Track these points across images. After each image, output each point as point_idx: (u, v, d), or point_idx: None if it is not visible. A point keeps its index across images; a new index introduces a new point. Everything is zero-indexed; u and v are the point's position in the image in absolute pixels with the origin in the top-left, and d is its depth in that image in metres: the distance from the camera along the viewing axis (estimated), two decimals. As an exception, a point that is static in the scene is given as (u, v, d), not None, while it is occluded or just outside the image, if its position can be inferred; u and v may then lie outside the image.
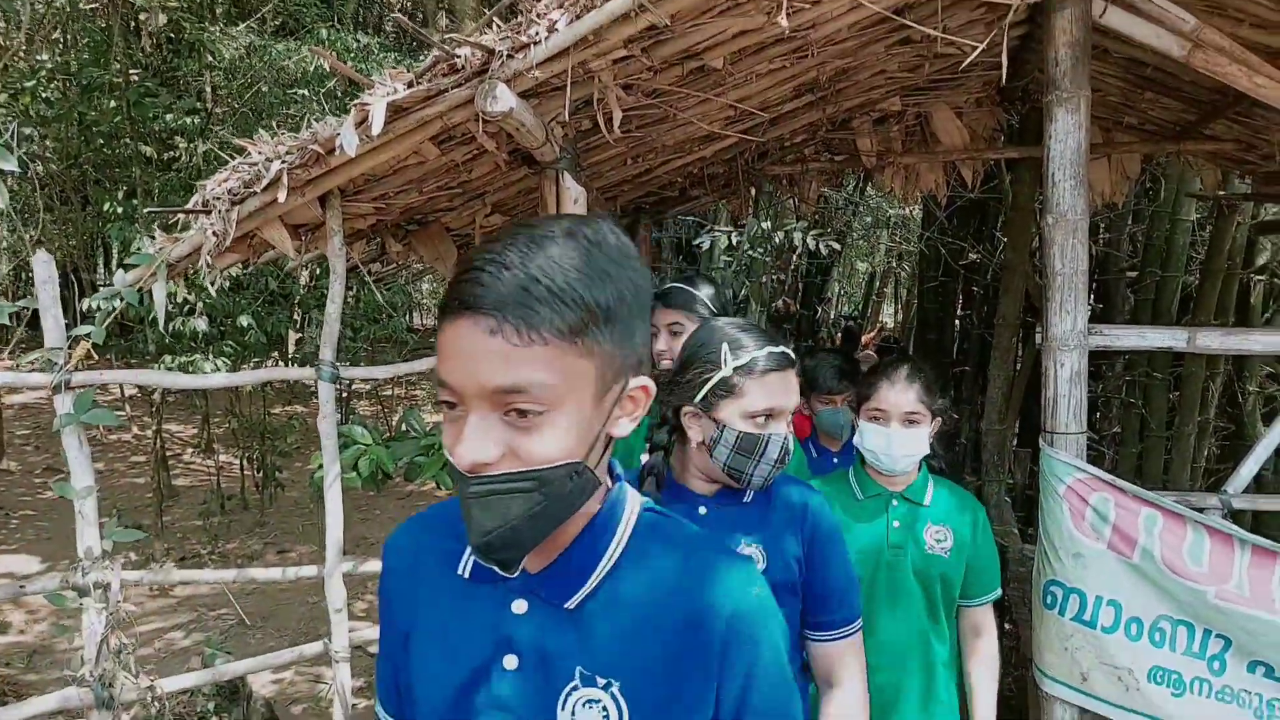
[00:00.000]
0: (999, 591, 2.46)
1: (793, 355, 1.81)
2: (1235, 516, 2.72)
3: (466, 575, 0.98)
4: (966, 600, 2.48)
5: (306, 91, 6.13)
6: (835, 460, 3.51)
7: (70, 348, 2.20)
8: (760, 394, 1.72)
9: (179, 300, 6.46)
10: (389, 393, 13.03)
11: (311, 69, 6.19)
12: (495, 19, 2.20)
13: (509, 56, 2.15)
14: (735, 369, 1.72)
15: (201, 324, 6.64)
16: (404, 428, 3.97)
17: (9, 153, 1.85)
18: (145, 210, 6.49)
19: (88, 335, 2.20)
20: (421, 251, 3.26)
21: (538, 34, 2.14)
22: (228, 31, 6.44)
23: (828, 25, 2.67)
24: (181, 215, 2.39)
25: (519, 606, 0.93)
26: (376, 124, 2.06)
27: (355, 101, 2.13)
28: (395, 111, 2.15)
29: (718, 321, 1.89)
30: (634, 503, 1.00)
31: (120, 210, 6.97)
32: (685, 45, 2.47)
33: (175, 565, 7.04)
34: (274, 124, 7.05)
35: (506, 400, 0.81)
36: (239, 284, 7.50)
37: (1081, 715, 2.71)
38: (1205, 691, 2.58)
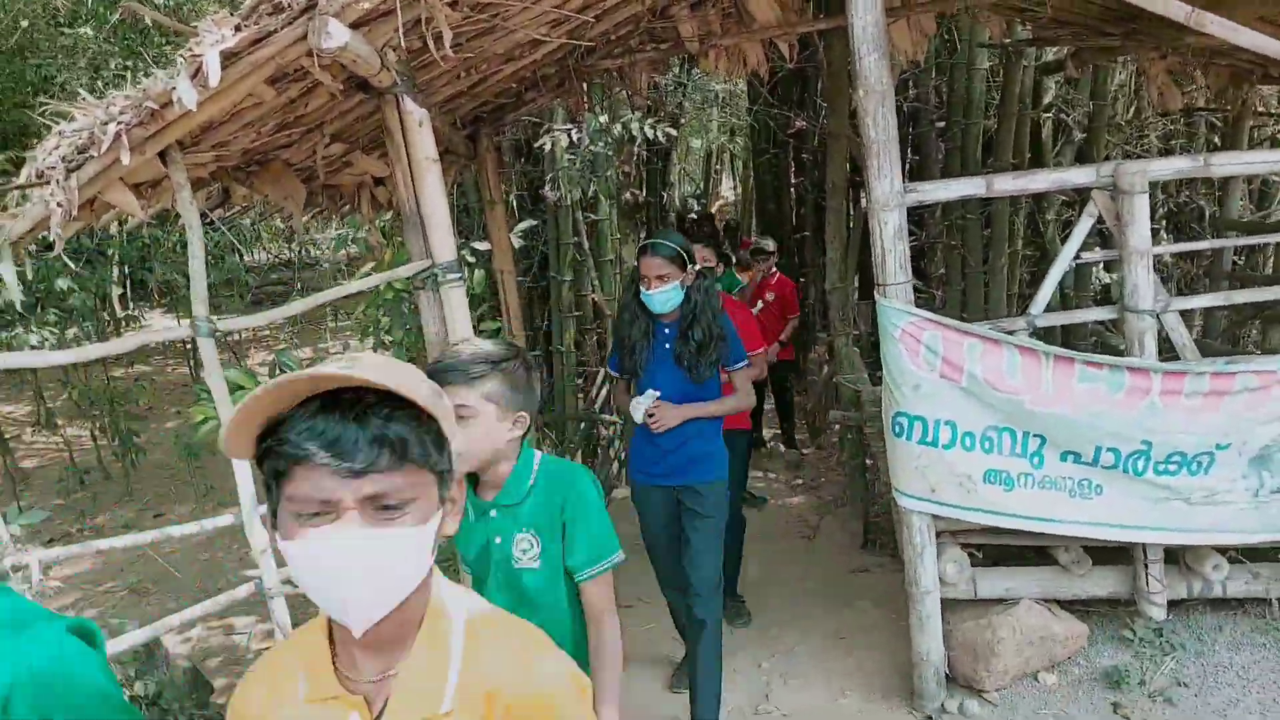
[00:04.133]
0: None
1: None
2: (1047, 334, 3.17)
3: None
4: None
5: (89, 29, 5.61)
6: None
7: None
8: None
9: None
10: (236, 338, 12.47)
11: (89, 1, 5.65)
12: (313, -49, 2.17)
13: (335, -11, 2.15)
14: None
15: (16, 295, 6.16)
16: (276, 370, 3.96)
17: None
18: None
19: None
20: (267, 191, 3.20)
21: (361, -37, 2.14)
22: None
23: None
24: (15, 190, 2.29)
25: None
26: (213, 74, 2.03)
27: (184, 52, 2.09)
28: (228, 58, 2.12)
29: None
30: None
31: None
32: (506, -44, 2.51)
33: (44, 548, 6.73)
34: (53, 66, 6.43)
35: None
36: (48, 245, 6.95)
37: (934, 521, 3.17)
38: (1029, 484, 3.07)
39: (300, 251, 14.15)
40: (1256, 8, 3.05)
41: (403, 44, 2.56)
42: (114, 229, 7.46)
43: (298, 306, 2.69)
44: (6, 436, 8.83)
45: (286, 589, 2.59)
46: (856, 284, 6.39)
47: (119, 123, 2.12)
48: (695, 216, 11.61)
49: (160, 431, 9.21)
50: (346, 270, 11.10)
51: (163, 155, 2.45)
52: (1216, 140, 6.39)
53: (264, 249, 14.60)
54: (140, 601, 5.79)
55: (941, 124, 6.72)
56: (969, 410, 3.01)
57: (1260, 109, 5.84)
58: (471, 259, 4.84)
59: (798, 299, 6.94)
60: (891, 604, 4.05)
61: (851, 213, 6.51)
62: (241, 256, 12.49)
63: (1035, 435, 3.02)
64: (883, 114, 2.87)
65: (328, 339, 11.90)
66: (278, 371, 3.81)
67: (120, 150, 2.16)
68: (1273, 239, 4.30)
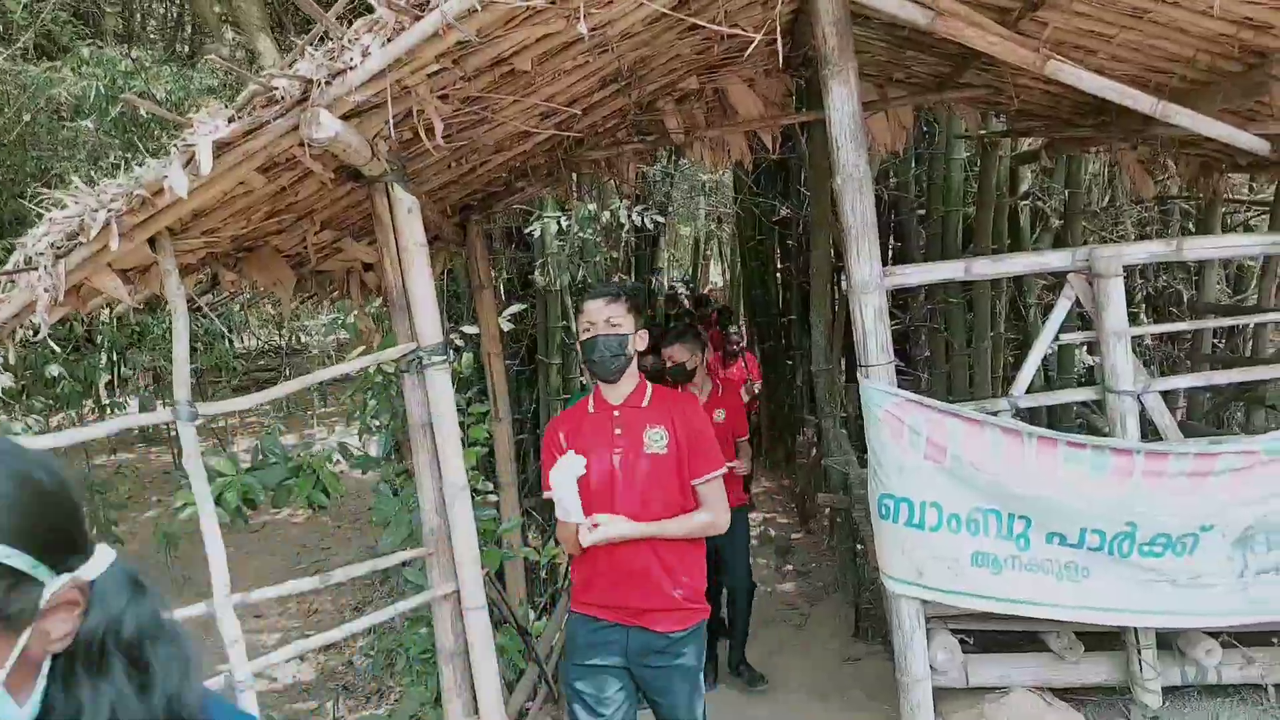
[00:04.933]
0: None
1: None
2: (1032, 416, 3.19)
3: None
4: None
5: (89, 123, 5.74)
6: None
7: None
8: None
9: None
10: (221, 424, 12.39)
11: (91, 96, 5.80)
12: (308, 47, 2.25)
13: (327, 83, 2.22)
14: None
15: (5, 380, 6.15)
16: (260, 455, 3.92)
17: None
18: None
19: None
20: (256, 277, 3.24)
21: (353, 59, 2.22)
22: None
23: (621, 22, 2.88)
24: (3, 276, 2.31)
25: None
26: (205, 164, 2.08)
27: (178, 142, 2.15)
28: (220, 147, 2.18)
29: None
30: None
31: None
32: (494, 54, 2.61)
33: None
34: (53, 157, 6.56)
35: None
36: (35, 330, 6.96)
37: (923, 606, 3.12)
38: (1017, 566, 3.04)
39: (290, 337, 14.20)
40: (1221, 100, 3.18)
41: (393, 135, 2.64)
42: (104, 315, 7.50)
43: (280, 390, 2.69)
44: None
45: (258, 683, 2.52)
46: (843, 366, 6.43)
47: (110, 210, 2.16)
48: (690, 296, 11.73)
49: (137, 521, 9.06)
50: (336, 355, 11.12)
51: (152, 242, 2.49)
52: (1191, 226, 6.55)
53: (253, 335, 14.64)
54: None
55: (922, 211, 6.90)
56: (954, 492, 3.00)
57: (1230, 196, 6.02)
58: (460, 342, 4.87)
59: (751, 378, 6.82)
60: (885, 695, 3.95)
61: (836, 296, 6.61)
62: (231, 343, 12.53)
63: (1021, 517, 3.01)
64: (860, 201, 2.95)
65: (314, 424, 11.84)
66: (260, 457, 3.78)
67: (110, 236, 2.19)
68: (1250, 320, 4.37)
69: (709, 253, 19.90)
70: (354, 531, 8.55)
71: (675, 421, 2.63)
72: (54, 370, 6.72)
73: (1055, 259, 3.08)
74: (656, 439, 2.62)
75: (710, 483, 2.64)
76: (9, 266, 2.26)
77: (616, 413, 2.67)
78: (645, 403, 2.68)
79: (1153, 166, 4.93)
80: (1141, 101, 2.99)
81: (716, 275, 19.98)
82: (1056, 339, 3.08)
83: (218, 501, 3.04)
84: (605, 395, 2.71)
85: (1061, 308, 3.07)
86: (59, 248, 2.27)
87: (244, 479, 2.85)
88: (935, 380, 6.53)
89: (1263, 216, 6.23)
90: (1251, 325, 4.76)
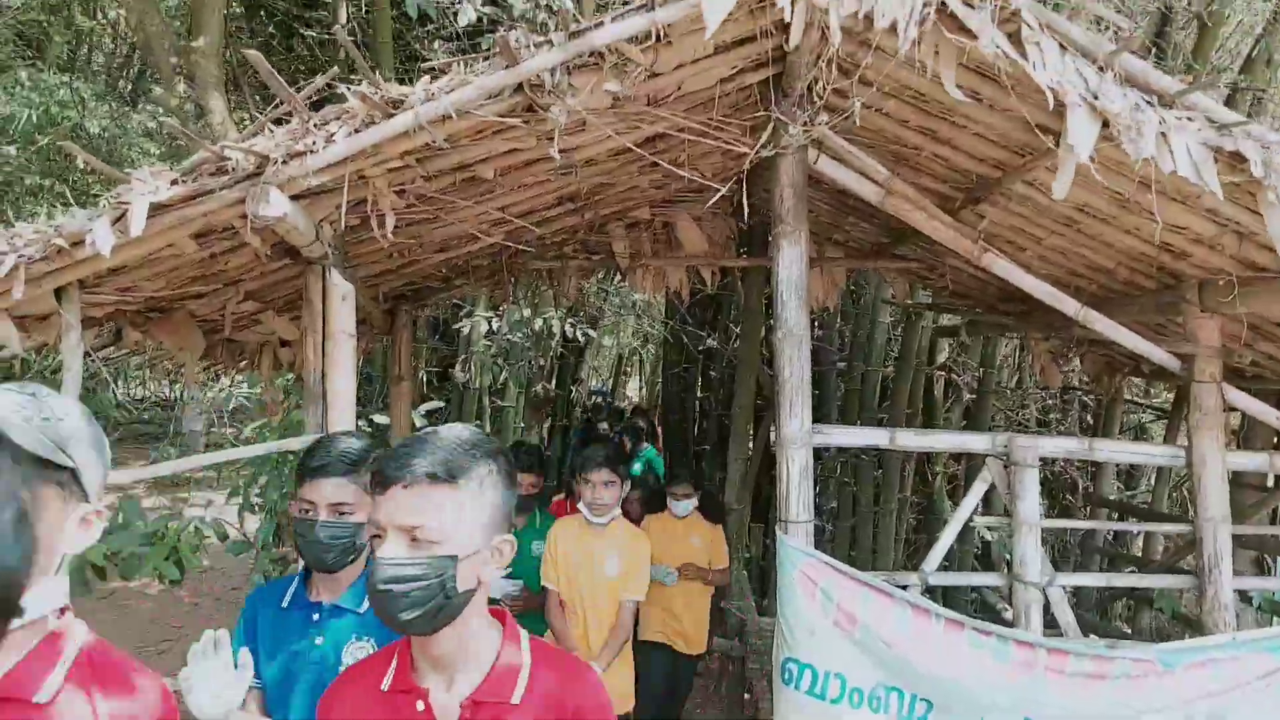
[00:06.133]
0: None
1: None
2: (935, 591, 3.18)
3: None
4: None
5: (13, 149, 5.49)
6: None
7: None
8: None
9: None
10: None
11: (20, 121, 5.57)
12: (268, 124, 2.18)
13: (284, 162, 2.15)
14: None
15: None
16: (118, 517, 3.60)
17: None
18: None
19: None
20: (164, 339, 3.05)
21: (315, 143, 2.16)
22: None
23: (589, 149, 2.91)
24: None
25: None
26: (136, 225, 1.96)
27: (110, 197, 2.02)
28: (156, 209, 2.06)
29: None
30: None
31: None
32: (459, 159, 2.59)
33: None
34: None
35: None
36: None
37: (814, 780, 2.99)
38: (913, 749, 2.96)
39: (182, 393, 13.50)
40: (1137, 312, 3.37)
41: (343, 220, 2.56)
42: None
43: (170, 467, 2.48)
44: None
45: None
46: (749, 508, 6.41)
47: (20, 254, 1.99)
48: (626, 407, 11.66)
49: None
50: (228, 417, 10.57)
51: (59, 292, 2.31)
52: (1089, 419, 6.90)
53: (142, 385, 13.89)
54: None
55: (843, 364, 7.09)
56: (860, 664, 2.93)
57: (1129, 398, 6.37)
58: (370, 431, 4.67)
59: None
60: None
61: (753, 435, 6.65)
62: (114, 392, 11.81)
63: (922, 699, 2.94)
64: (799, 357, 2.97)
65: (191, 491, 11.12)
66: (119, 519, 3.48)
67: (15, 284, 2.02)
68: (1151, 528, 4.55)
69: (628, 369, 20.05)
70: (217, 610, 7.91)
71: None
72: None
73: (977, 442, 3.15)
74: None
75: None
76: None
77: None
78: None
79: (1060, 359, 5.20)
80: (1067, 304, 3.14)
81: (633, 391, 20.09)
82: (970, 521, 3.12)
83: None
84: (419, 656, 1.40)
85: (977, 490, 3.11)
86: (-50, 286, 2.08)
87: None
88: (839, 534, 6.56)
89: (1157, 421, 6.60)
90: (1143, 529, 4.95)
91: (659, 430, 8.90)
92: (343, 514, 1.85)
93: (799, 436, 2.99)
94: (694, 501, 4.34)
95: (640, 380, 20.15)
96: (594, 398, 13.46)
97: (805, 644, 2.92)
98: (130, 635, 7.27)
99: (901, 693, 2.90)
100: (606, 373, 19.21)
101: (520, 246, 3.89)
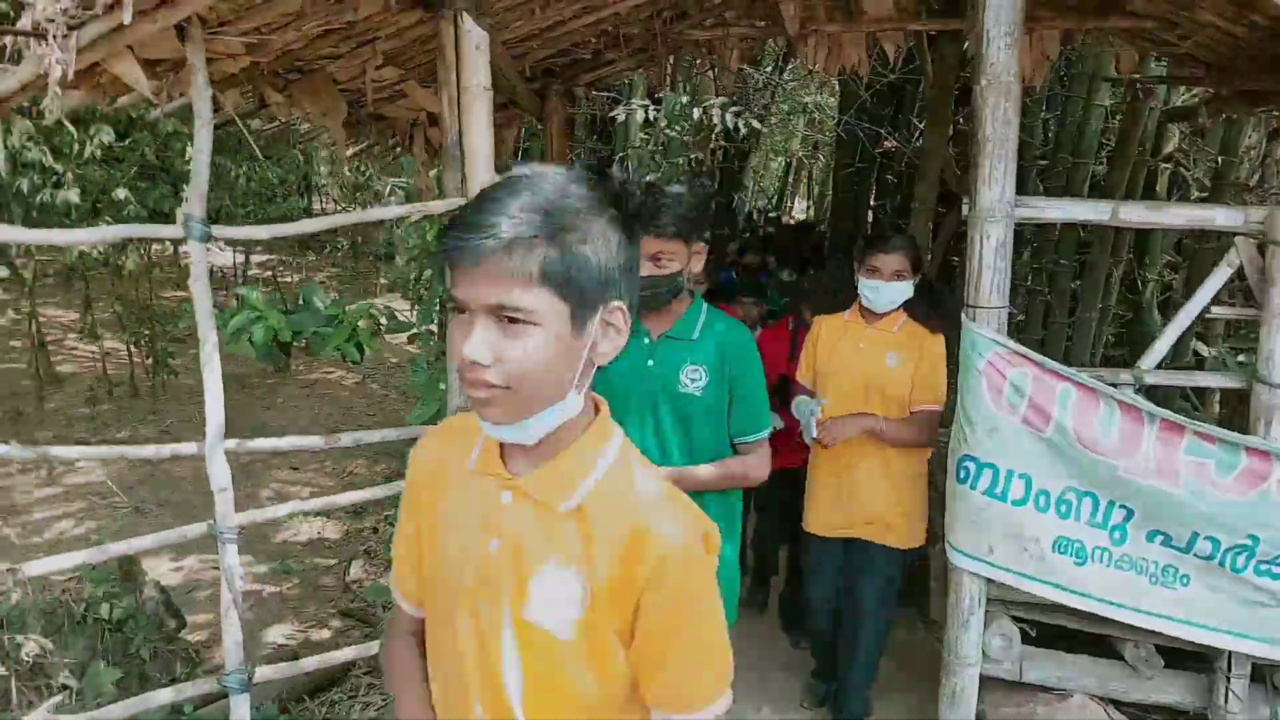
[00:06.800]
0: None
1: None
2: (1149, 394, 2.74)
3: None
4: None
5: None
6: None
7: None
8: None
9: (45, 168, 5.85)
10: (288, 279, 12.40)
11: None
12: None
13: None
14: None
15: (73, 196, 6.02)
16: (299, 301, 3.68)
17: None
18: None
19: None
20: (306, 104, 2.92)
21: None
22: None
23: None
24: (9, 39, 2.02)
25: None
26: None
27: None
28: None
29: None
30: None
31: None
32: None
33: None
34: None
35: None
36: (113, 155, 6.83)
37: (987, 585, 2.76)
38: (1105, 560, 2.64)
39: (366, 207, 14.07)
40: None
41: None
42: (177, 147, 7.34)
43: (306, 225, 2.40)
44: (50, 340, 8.79)
45: (237, 536, 2.30)
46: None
47: (125, -24, 1.83)
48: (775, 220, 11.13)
49: (197, 357, 9.11)
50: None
51: (182, 32, 2.17)
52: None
53: (329, 196, 14.56)
54: (141, 522, 5.62)
55: (1044, 162, 6.24)
56: (1049, 466, 2.59)
57: None
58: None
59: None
60: (913, 666, 3.64)
61: (931, 243, 6.07)
62: (304, 198, 12.41)
63: (1122, 506, 2.59)
64: (1004, 110, 2.47)
65: (380, 294, 11.72)
66: (299, 300, 3.53)
67: (124, 8, 1.87)
68: None
69: (795, 185, 19.17)
70: (401, 403, 8.48)
71: None
72: (120, 194, 6.59)
73: (1225, 216, 2.57)
74: None
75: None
76: (17, 27, 1.96)
77: None
78: None
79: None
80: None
81: (799, 210, 19.27)
82: (1207, 310, 2.60)
83: (239, 337, 2.82)
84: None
85: (1220, 275, 2.57)
86: (72, 16, 1.96)
87: (272, 315, 2.59)
88: (1026, 345, 6.00)
89: None
90: None
91: (828, 248, 8.36)
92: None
93: (998, 207, 2.54)
94: (908, 285, 2.94)
95: (807, 199, 19.26)
96: (767, 215, 12.87)
97: (985, 442, 2.61)
98: (328, 419, 7.95)
99: (1096, 499, 2.56)
100: (771, 190, 18.45)
101: (674, 11, 3.44)
